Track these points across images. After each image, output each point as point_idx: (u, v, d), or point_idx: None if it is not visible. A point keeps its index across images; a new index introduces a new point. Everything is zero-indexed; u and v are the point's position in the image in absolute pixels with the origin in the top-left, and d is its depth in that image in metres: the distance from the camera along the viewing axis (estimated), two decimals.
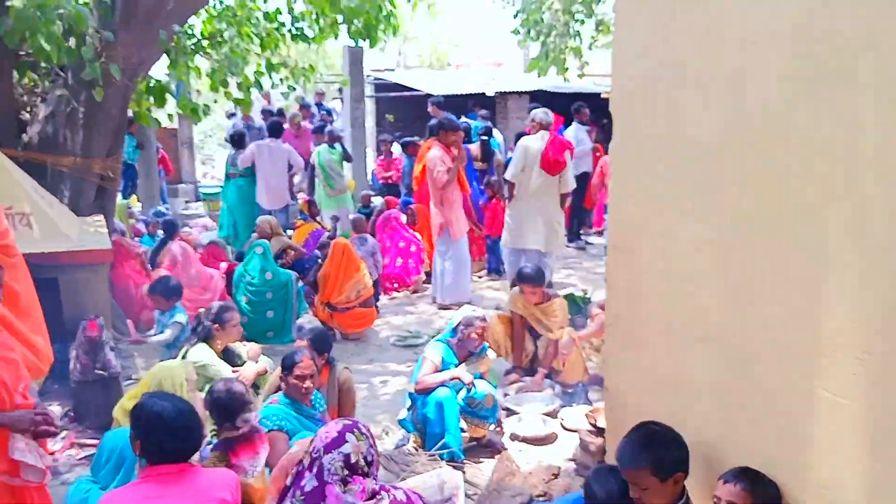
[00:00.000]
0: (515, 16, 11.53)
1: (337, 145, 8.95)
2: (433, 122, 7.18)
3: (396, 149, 10.27)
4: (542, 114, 6.88)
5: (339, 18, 7.20)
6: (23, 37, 4.58)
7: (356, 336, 6.10)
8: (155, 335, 4.85)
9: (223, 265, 6.88)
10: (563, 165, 6.90)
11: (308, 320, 6.43)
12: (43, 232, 4.59)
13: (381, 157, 10.10)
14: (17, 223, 4.38)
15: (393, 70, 15.00)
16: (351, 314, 6.01)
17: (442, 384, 3.87)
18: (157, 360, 4.28)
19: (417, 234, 7.83)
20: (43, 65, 5.29)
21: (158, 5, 5.15)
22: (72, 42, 4.93)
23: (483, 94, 11.80)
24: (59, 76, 5.31)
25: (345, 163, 9.31)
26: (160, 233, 8.17)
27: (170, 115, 6.53)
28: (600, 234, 9.70)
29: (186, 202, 11.50)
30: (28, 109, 5.43)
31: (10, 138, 5.06)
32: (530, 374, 4.95)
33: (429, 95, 11.65)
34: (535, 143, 6.63)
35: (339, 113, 13.43)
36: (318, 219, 8.80)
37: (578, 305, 5.53)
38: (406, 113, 13.01)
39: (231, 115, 11.84)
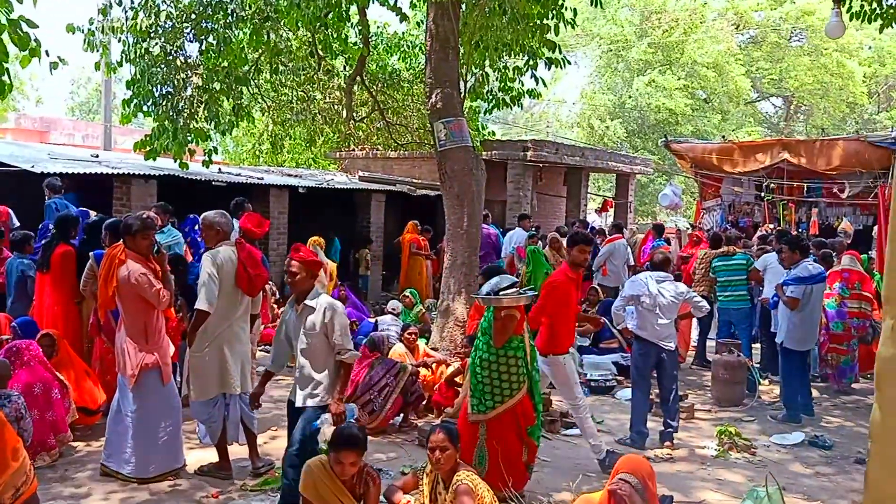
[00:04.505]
0: (131, 85, 9.71)
1: None
2: (128, 219, 5.28)
3: None
4: (219, 217, 5.50)
5: None
6: None
7: None
8: None
9: None
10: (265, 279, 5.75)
11: None
12: None
13: None
14: None
15: None
16: None
17: None
18: None
19: (60, 374, 5.60)
20: None
21: None
22: None
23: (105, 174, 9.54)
24: None
25: None
26: None
27: None
28: None
29: None
30: None
31: None
32: None
33: (15, 171, 8.94)
34: (229, 255, 5.30)
35: None
36: None
37: None
38: None
39: None
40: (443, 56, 9.16)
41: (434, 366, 6.95)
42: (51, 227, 7.77)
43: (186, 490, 5.04)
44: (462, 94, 10.09)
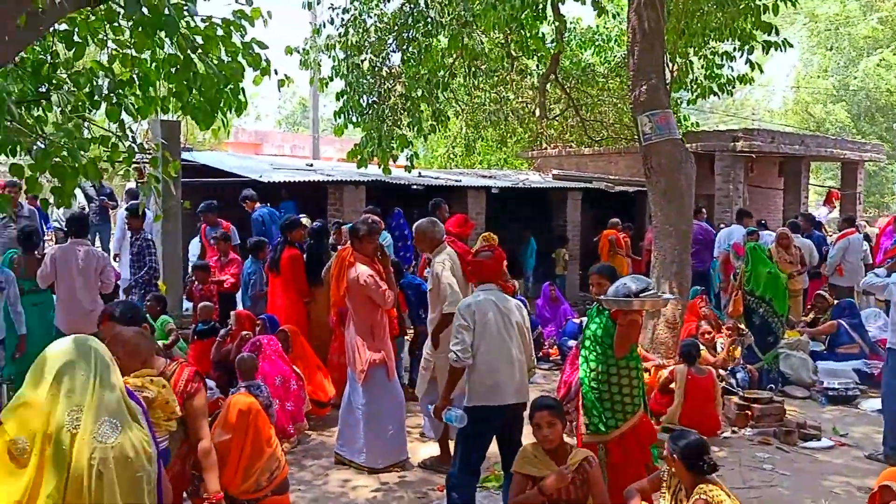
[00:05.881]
0: (340, 96, 10.27)
1: None
2: (356, 224, 5.62)
3: None
4: (430, 225, 5.41)
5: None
6: None
7: None
8: None
9: None
10: None
11: None
12: None
13: (215, 257, 7.96)
14: None
15: (191, 149, 12.70)
16: None
17: None
18: None
19: (296, 367, 6.04)
20: None
21: None
22: None
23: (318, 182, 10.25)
24: None
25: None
26: None
27: None
28: None
29: None
30: None
31: None
32: None
33: (246, 181, 9.80)
34: (452, 256, 5.34)
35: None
36: None
37: None
38: (202, 200, 10.57)
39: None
40: (647, 46, 8.73)
41: (653, 369, 6.63)
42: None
43: (414, 482, 5.19)
44: (667, 85, 9.59)
